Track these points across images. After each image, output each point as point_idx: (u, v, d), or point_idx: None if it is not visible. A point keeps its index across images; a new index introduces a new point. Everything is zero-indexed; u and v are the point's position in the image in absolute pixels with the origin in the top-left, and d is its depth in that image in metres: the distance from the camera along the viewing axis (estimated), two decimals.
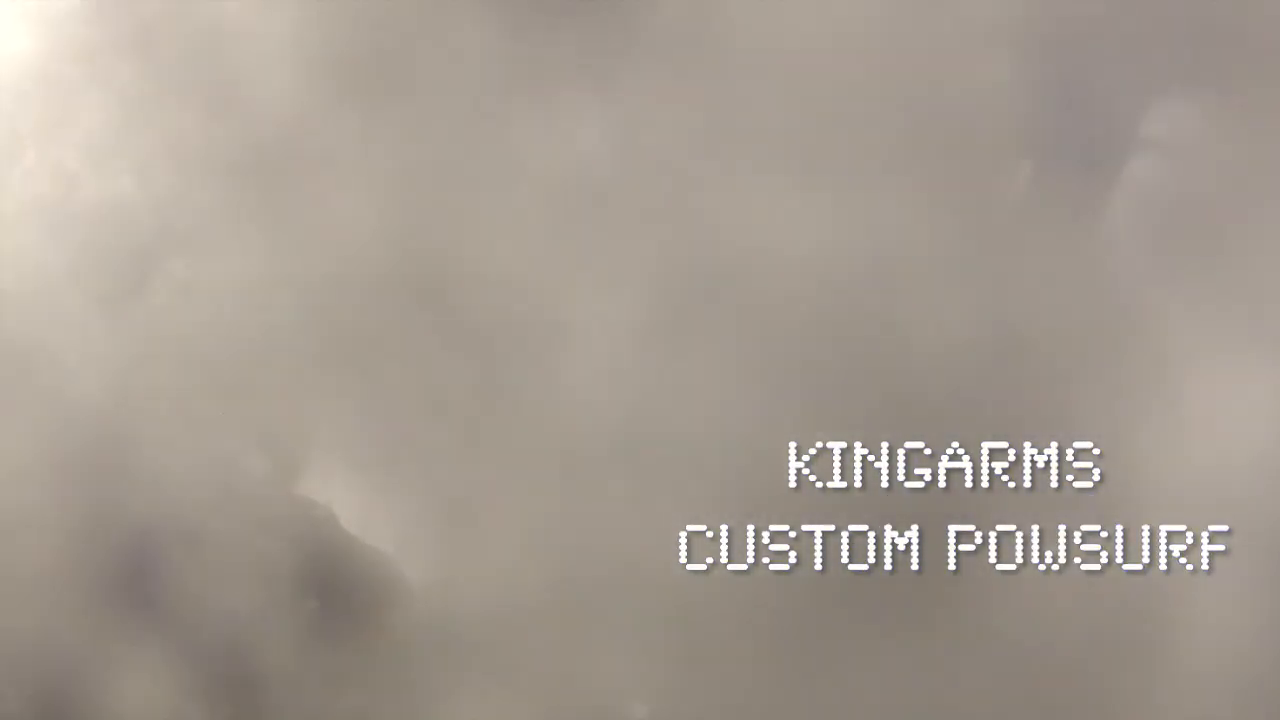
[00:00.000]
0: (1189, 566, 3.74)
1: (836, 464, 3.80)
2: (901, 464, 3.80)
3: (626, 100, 3.98)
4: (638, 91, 3.97)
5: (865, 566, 3.77)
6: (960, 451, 3.78)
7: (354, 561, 3.87)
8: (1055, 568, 3.75)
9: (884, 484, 3.79)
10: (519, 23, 3.99)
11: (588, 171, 3.96)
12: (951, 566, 3.76)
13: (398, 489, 3.89)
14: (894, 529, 3.78)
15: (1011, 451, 3.79)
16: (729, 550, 3.78)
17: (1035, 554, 3.76)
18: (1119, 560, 3.75)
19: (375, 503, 3.90)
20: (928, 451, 3.79)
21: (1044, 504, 3.77)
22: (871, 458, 3.80)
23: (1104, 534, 3.76)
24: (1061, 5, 4.04)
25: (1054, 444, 3.79)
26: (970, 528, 3.77)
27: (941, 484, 3.79)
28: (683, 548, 3.79)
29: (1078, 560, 3.75)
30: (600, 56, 4.00)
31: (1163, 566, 3.74)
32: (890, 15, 3.99)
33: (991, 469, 3.78)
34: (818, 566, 3.78)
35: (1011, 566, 3.76)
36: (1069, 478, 3.78)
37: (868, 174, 3.93)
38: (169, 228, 3.97)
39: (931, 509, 3.78)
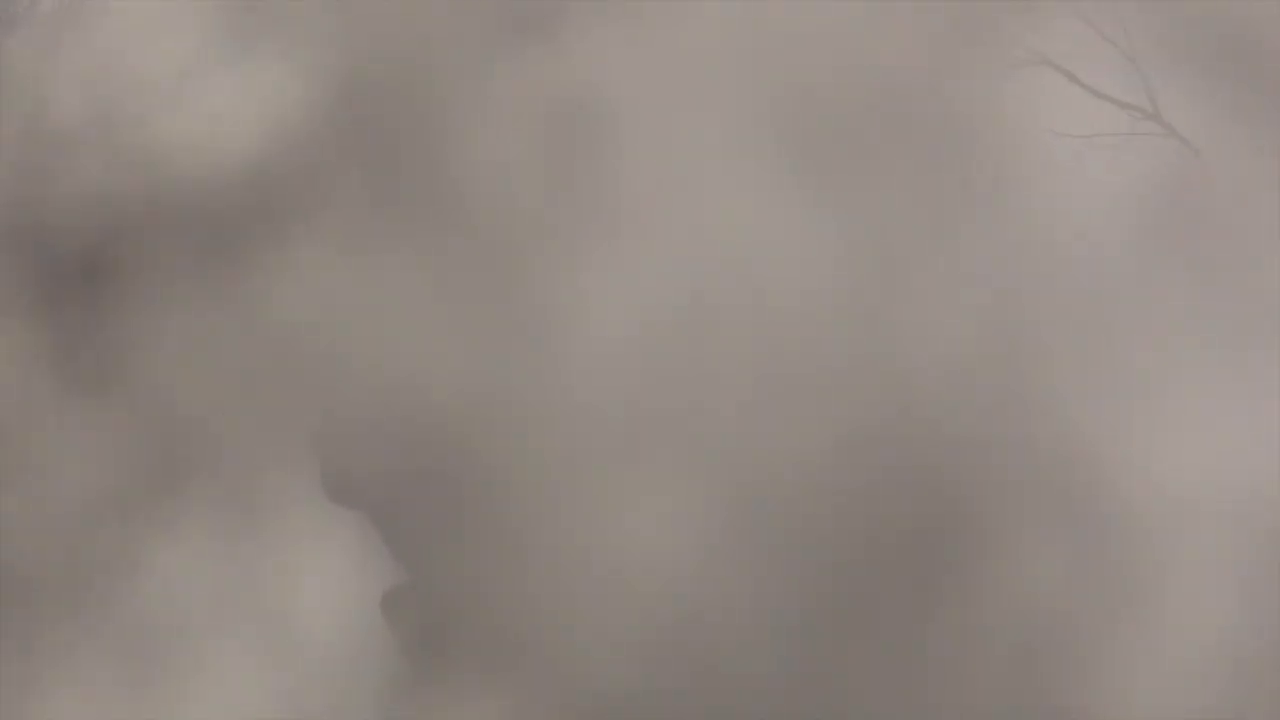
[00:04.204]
0: (1189, 564, 3.75)
1: (836, 464, 3.81)
2: (901, 464, 3.80)
3: (634, 104, 4.00)
4: (643, 95, 3.99)
5: (865, 565, 3.78)
6: (960, 451, 3.80)
7: None
8: (1055, 567, 3.76)
9: (884, 483, 3.80)
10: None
11: (599, 176, 3.98)
12: (949, 565, 3.77)
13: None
14: (893, 529, 3.79)
15: (1012, 451, 3.80)
16: (729, 548, 3.79)
17: (1035, 554, 3.77)
18: (1118, 559, 3.76)
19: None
20: (928, 452, 3.80)
21: (1043, 503, 3.78)
22: (871, 457, 3.81)
23: (1103, 533, 3.77)
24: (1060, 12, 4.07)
25: (1054, 444, 3.80)
26: (970, 527, 3.78)
27: (941, 484, 3.80)
28: (682, 546, 3.80)
29: (1077, 558, 3.76)
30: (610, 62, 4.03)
31: (1162, 565, 3.75)
32: (893, 19, 4.01)
33: (992, 469, 3.80)
34: (817, 566, 3.78)
35: (1011, 566, 3.77)
36: (1069, 477, 3.79)
37: (870, 177, 3.94)
38: None
39: (930, 509, 3.79)
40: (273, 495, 3.91)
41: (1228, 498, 3.78)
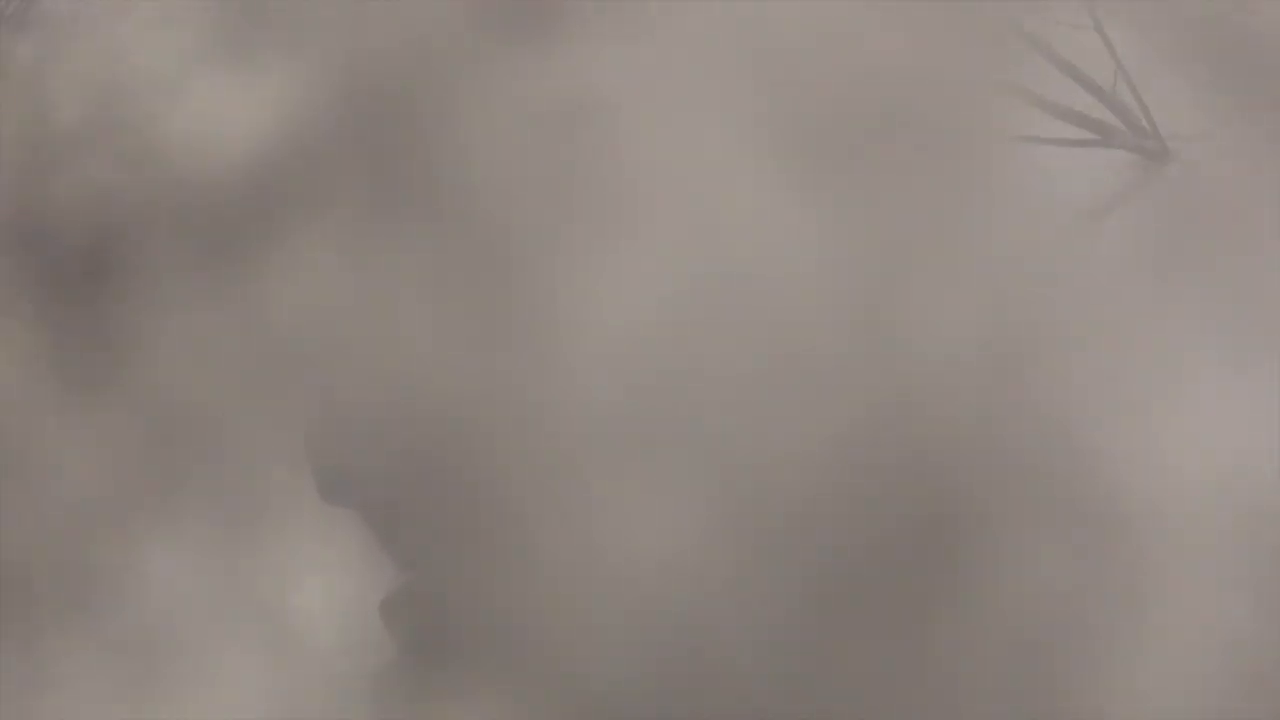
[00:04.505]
0: (1194, 563, 3.75)
1: (837, 463, 3.81)
2: (903, 463, 3.80)
3: (634, 104, 4.00)
4: (644, 93, 4.00)
5: (868, 565, 3.78)
6: (963, 451, 3.79)
7: None
8: (1058, 567, 3.76)
9: (885, 482, 3.80)
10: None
11: (599, 176, 3.98)
12: (952, 565, 3.77)
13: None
14: (895, 529, 3.79)
15: (1014, 451, 3.80)
16: (730, 547, 3.79)
17: (1035, 553, 3.77)
18: (1122, 559, 3.76)
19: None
20: (930, 451, 3.80)
21: (1047, 503, 3.78)
22: (873, 456, 3.81)
23: (1107, 533, 3.77)
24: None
25: (1056, 443, 3.80)
26: (970, 527, 3.78)
27: (943, 484, 3.80)
28: (683, 545, 3.80)
29: (1080, 558, 3.76)
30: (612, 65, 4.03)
31: (1167, 565, 3.75)
32: (893, 18, 4.01)
33: (994, 469, 3.79)
34: (819, 565, 3.79)
35: (1011, 566, 3.77)
36: (1072, 477, 3.79)
37: (871, 177, 3.95)
38: None
39: (933, 509, 3.79)
40: (273, 495, 3.91)
41: (1233, 497, 3.78)
